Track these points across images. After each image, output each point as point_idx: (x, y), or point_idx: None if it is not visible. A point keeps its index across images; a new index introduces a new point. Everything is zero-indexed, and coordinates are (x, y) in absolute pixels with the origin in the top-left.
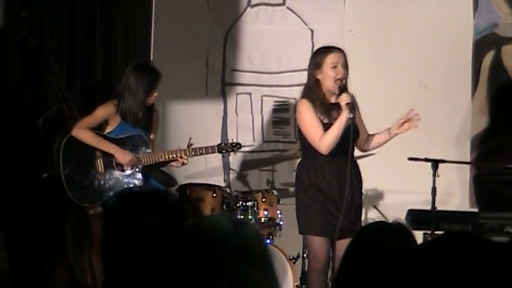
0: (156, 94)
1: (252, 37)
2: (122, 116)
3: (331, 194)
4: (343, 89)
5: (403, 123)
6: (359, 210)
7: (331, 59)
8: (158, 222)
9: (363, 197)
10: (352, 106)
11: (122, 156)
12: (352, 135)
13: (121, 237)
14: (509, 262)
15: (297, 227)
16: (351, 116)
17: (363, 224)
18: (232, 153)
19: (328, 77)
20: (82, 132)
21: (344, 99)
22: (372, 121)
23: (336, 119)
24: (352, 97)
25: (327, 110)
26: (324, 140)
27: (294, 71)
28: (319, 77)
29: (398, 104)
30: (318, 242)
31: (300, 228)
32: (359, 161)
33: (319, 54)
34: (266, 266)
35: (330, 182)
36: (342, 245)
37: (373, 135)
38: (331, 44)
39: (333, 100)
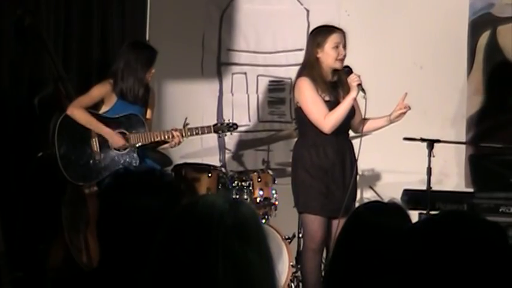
0: (153, 71)
1: (248, 17)
2: (121, 94)
3: (333, 173)
4: (349, 70)
5: (401, 114)
6: (355, 190)
7: (333, 39)
8: (154, 201)
9: (358, 177)
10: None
11: (114, 140)
12: (351, 117)
13: (117, 216)
14: (503, 241)
15: (293, 206)
16: (365, 96)
17: (358, 204)
18: (228, 133)
19: (329, 57)
20: (77, 112)
21: (355, 80)
22: (367, 101)
23: (336, 97)
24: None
25: (328, 88)
26: (330, 119)
27: (289, 50)
28: (319, 55)
29: (394, 84)
30: (316, 222)
31: (299, 207)
32: (354, 141)
33: (321, 33)
34: (261, 246)
35: (333, 161)
36: (340, 224)
37: (369, 119)
38: (327, 23)
39: (331, 78)
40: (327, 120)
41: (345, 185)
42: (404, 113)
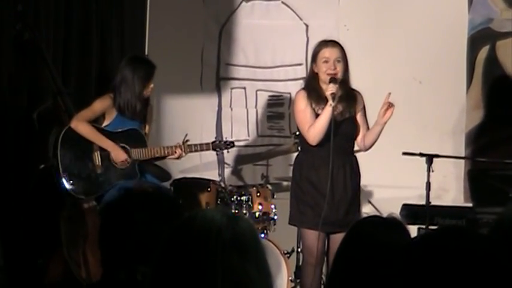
0: (152, 86)
1: (247, 32)
2: (119, 109)
3: (321, 186)
4: (331, 80)
5: (385, 111)
6: (353, 204)
7: (323, 53)
8: (154, 216)
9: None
10: (352, 97)
11: (116, 155)
12: (352, 132)
13: (118, 231)
14: (502, 256)
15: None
16: (333, 104)
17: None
18: (225, 151)
19: (320, 70)
20: (81, 125)
21: (329, 89)
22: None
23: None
24: (359, 95)
25: (323, 102)
26: (312, 130)
27: (288, 65)
28: (315, 69)
29: (393, 98)
30: (312, 236)
31: (290, 220)
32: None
33: (316, 48)
34: (260, 260)
35: (321, 175)
36: (336, 239)
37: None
38: (327, 38)
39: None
40: (309, 130)
41: (334, 200)
42: (387, 110)
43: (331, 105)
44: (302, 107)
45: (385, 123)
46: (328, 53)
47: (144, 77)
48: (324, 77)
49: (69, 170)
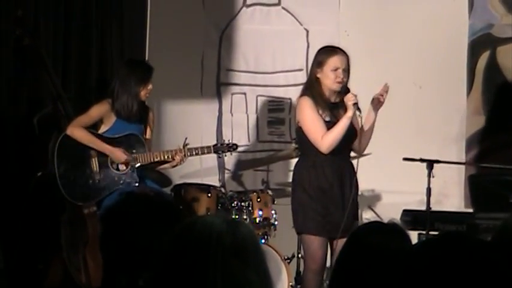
0: (150, 87)
1: (248, 37)
2: (116, 113)
3: (332, 193)
4: (347, 89)
5: (378, 101)
6: (357, 210)
7: (333, 61)
8: (155, 223)
9: (358, 197)
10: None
11: (116, 156)
12: (353, 138)
13: (121, 234)
14: (503, 262)
15: (293, 226)
16: (361, 115)
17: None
18: (227, 154)
19: (327, 78)
20: (77, 131)
21: (351, 99)
22: (362, 120)
23: (337, 117)
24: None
25: (329, 108)
26: (327, 139)
27: (289, 71)
28: (319, 75)
29: (393, 104)
30: (316, 242)
31: (297, 228)
32: (354, 161)
33: (323, 54)
34: (260, 265)
35: (332, 181)
36: (339, 244)
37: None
38: (332, 45)
39: (332, 99)
40: (324, 139)
41: (344, 205)
42: (380, 99)
43: (359, 115)
44: (312, 115)
45: (378, 109)
46: (339, 61)
47: (140, 78)
48: (332, 85)
49: (66, 177)
